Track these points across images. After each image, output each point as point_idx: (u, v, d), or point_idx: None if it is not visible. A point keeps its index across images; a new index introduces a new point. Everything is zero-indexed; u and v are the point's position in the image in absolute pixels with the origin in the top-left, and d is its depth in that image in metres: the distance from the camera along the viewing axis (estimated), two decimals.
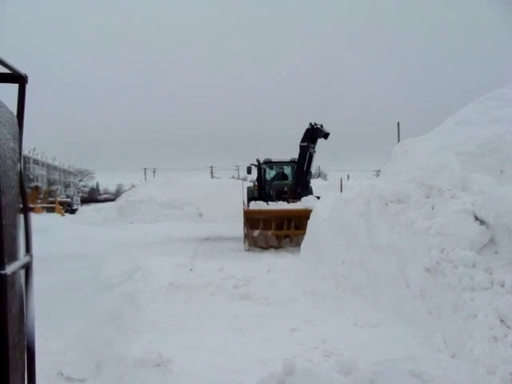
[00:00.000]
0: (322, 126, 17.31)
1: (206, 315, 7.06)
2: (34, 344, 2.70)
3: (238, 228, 19.50)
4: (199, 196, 33.18)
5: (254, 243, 16.03)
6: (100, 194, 79.59)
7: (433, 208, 6.36)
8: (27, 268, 2.59)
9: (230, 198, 31.31)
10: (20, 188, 2.62)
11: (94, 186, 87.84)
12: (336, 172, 62.11)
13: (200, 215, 31.63)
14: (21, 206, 2.66)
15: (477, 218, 5.53)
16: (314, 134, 17.28)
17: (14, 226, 2.50)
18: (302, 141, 17.49)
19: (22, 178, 2.66)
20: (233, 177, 62.17)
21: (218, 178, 56.22)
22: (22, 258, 2.57)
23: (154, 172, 68.19)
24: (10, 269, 2.20)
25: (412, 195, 6.83)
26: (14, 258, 2.40)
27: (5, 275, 2.14)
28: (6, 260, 2.18)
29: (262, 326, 6.45)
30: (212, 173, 68.55)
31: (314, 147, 17.63)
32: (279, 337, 5.93)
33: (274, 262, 11.97)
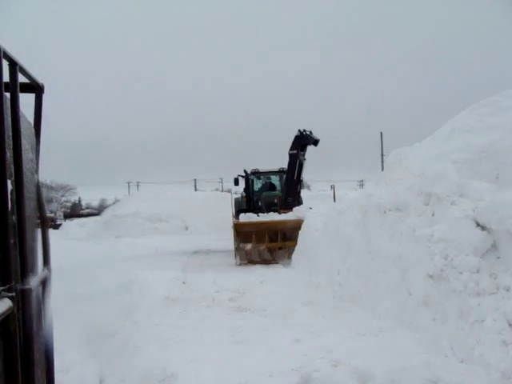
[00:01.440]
0: (311, 132, 16.67)
1: (205, 328, 7.00)
2: (53, 360, 2.63)
3: (226, 240, 19.32)
4: (185, 209, 32.95)
5: (245, 257, 15.30)
6: (82, 209, 78.82)
7: (433, 215, 6.36)
8: (45, 281, 2.53)
9: (215, 211, 31.22)
10: (37, 200, 2.56)
11: (77, 201, 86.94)
12: (318, 182, 61.94)
13: (186, 228, 31.42)
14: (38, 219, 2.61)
15: (478, 224, 5.54)
16: (303, 141, 16.64)
17: (33, 239, 2.45)
18: (291, 149, 16.80)
19: (40, 190, 2.61)
20: (216, 189, 61.85)
21: (201, 190, 55.93)
22: (41, 271, 2.51)
23: (138, 186, 67.67)
24: (33, 283, 2.14)
25: (411, 203, 6.83)
26: (34, 271, 2.34)
27: (30, 290, 2.09)
28: (30, 274, 2.13)
29: (263, 338, 6.39)
30: (195, 185, 68.20)
31: (303, 155, 16.92)
32: (283, 348, 5.88)
33: (266, 274, 11.93)
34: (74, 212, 70.72)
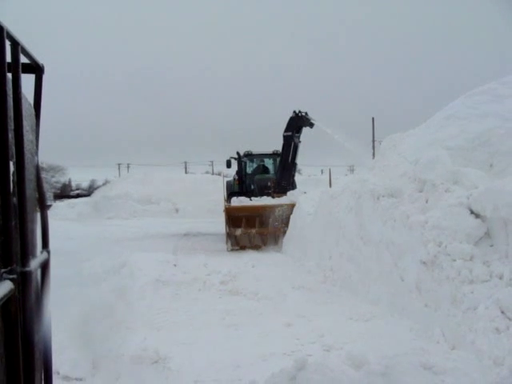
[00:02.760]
0: (306, 113, 15.95)
1: (197, 311, 7.03)
2: (50, 343, 2.63)
3: (216, 223, 19.27)
4: (175, 191, 32.85)
5: (237, 243, 14.69)
6: (72, 190, 78.36)
7: (427, 202, 6.38)
8: (44, 264, 2.51)
9: (206, 194, 31.19)
10: (37, 182, 2.54)
11: (67, 182, 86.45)
12: (308, 167, 61.70)
13: (176, 211, 31.33)
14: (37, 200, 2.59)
15: (472, 212, 5.56)
16: (298, 123, 15.99)
17: (32, 221, 2.42)
18: (286, 130, 16.16)
19: (39, 172, 2.59)
20: (207, 172, 61.65)
21: (192, 173, 55.75)
22: (40, 254, 2.50)
23: (128, 167, 67.40)
24: (33, 266, 2.13)
25: (405, 189, 6.86)
26: (33, 254, 2.32)
27: (31, 272, 2.07)
28: (30, 257, 2.12)
29: (255, 321, 6.43)
30: (186, 168, 68.01)
31: (298, 137, 16.25)
32: (275, 332, 5.92)
33: (258, 258, 11.96)
34: (64, 193, 70.17)
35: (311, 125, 15.91)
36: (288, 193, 15.26)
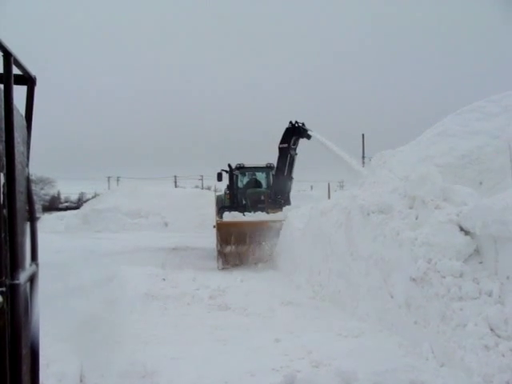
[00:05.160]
0: (303, 124, 15.30)
1: (186, 326, 6.99)
2: (38, 357, 2.60)
3: (204, 238, 19.16)
4: (164, 205, 32.70)
5: (229, 261, 13.69)
6: (61, 203, 77.88)
7: (416, 218, 6.40)
8: (32, 277, 2.50)
9: (195, 208, 31.09)
10: (27, 194, 2.53)
11: (56, 195, 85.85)
12: (296, 182, 61.40)
13: (166, 225, 31.19)
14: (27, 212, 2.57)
15: (462, 229, 5.59)
16: (295, 134, 15.33)
17: (22, 234, 2.41)
18: (282, 142, 15.50)
19: (30, 184, 2.57)
20: (196, 186, 61.49)
21: (182, 187, 55.62)
22: (29, 266, 2.48)
23: (118, 180, 67.13)
24: (22, 278, 2.11)
25: (395, 206, 6.87)
26: (23, 266, 2.31)
27: (19, 285, 2.06)
28: (20, 269, 2.10)
29: (244, 337, 6.39)
30: (176, 182, 67.84)
31: (295, 149, 15.71)
32: (263, 347, 5.88)
33: (247, 273, 11.90)
34: (53, 205, 69.64)
35: (308, 136, 15.26)
36: (284, 208, 14.41)
